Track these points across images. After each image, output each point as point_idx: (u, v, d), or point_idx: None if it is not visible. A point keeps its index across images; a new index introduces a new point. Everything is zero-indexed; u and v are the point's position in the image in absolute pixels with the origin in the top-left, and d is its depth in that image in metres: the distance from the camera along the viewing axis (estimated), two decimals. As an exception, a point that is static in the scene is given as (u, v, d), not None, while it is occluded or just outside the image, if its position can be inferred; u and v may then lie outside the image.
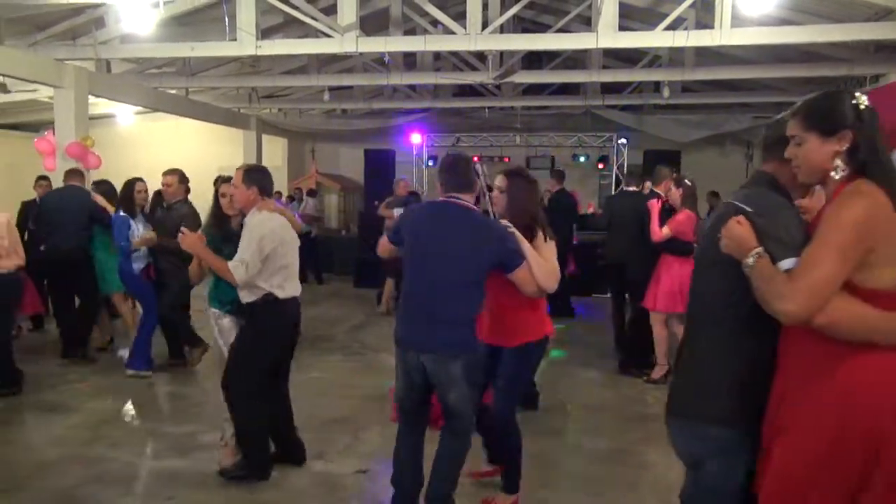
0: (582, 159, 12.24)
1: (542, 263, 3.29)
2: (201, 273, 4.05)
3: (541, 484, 3.95)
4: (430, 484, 3.35)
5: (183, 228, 3.80)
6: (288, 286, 3.84)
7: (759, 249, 1.92)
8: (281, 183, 13.83)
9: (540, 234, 3.41)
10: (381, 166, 12.04)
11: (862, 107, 1.88)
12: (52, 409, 5.17)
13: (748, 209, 2.02)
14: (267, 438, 3.99)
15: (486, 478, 3.86)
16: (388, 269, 8.96)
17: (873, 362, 1.83)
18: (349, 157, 14.66)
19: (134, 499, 3.80)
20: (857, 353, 1.83)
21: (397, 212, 8.61)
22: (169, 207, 5.88)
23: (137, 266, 5.82)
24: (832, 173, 1.91)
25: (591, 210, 7.87)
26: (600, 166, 12.32)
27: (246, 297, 3.78)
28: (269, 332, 3.84)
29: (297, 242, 4.01)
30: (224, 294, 3.89)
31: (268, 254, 3.68)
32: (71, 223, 6.22)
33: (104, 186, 6.40)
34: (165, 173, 5.85)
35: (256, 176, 3.83)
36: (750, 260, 1.91)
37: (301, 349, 6.89)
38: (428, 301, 3.17)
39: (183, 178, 5.90)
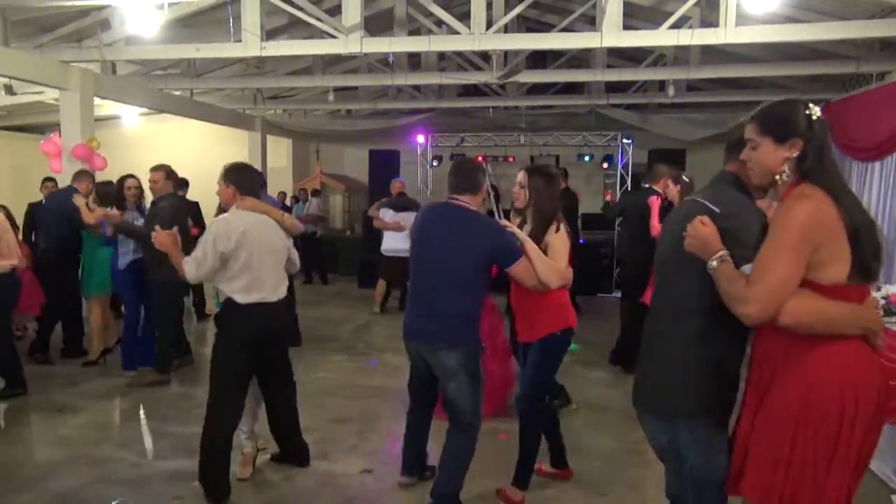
0: (587, 159, 12.21)
1: (543, 259, 3.34)
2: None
3: (547, 483, 3.95)
4: (436, 481, 3.39)
5: (156, 227, 3.70)
6: (254, 291, 3.64)
7: (723, 253, 2.02)
8: (286, 183, 13.86)
9: (553, 227, 3.48)
10: (385, 167, 12.04)
11: (814, 117, 1.99)
12: (58, 409, 5.19)
13: (716, 210, 2.13)
14: (226, 461, 3.71)
15: (551, 477, 3.99)
16: (382, 272, 9.00)
17: (834, 353, 1.93)
18: (354, 158, 14.67)
19: (141, 499, 3.81)
20: (818, 346, 1.93)
21: (383, 212, 8.66)
22: (153, 203, 5.86)
23: (124, 261, 5.85)
24: (777, 177, 2.03)
25: (608, 197, 7.82)
26: (605, 166, 12.29)
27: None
28: (229, 339, 3.68)
29: (278, 244, 3.78)
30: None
31: (223, 253, 3.54)
32: (58, 224, 6.28)
33: (108, 187, 6.43)
34: (151, 170, 5.80)
35: (234, 175, 3.78)
36: (714, 263, 2.02)
37: (306, 349, 6.96)
38: (427, 295, 3.35)
39: (170, 174, 5.83)
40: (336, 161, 15.00)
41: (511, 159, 12.28)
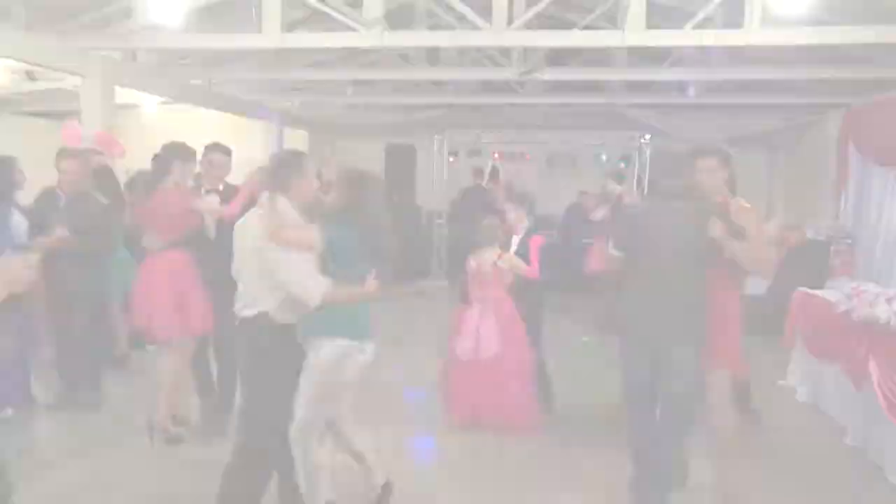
0: (604, 158, 12.13)
1: None
2: None
3: (555, 486, 3.93)
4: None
5: None
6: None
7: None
8: (301, 175, 13.85)
9: None
10: (402, 161, 12.03)
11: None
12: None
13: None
14: None
15: None
16: None
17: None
18: (370, 151, 14.65)
19: (156, 485, 3.83)
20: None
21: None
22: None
23: None
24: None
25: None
26: (622, 165, 12.21)
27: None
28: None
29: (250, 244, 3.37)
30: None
31: None
32: None
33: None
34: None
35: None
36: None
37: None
38: None
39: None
40: (352, 154, 14.99)
41: (528, 157, 12.24)
